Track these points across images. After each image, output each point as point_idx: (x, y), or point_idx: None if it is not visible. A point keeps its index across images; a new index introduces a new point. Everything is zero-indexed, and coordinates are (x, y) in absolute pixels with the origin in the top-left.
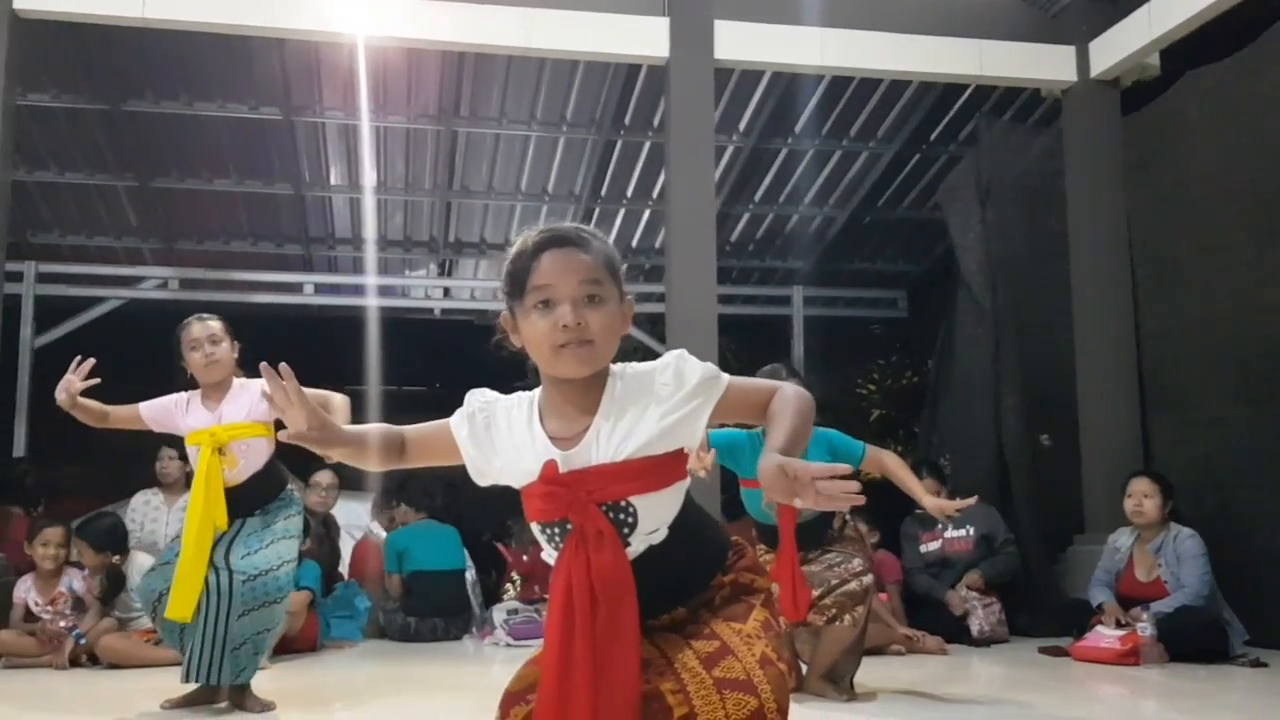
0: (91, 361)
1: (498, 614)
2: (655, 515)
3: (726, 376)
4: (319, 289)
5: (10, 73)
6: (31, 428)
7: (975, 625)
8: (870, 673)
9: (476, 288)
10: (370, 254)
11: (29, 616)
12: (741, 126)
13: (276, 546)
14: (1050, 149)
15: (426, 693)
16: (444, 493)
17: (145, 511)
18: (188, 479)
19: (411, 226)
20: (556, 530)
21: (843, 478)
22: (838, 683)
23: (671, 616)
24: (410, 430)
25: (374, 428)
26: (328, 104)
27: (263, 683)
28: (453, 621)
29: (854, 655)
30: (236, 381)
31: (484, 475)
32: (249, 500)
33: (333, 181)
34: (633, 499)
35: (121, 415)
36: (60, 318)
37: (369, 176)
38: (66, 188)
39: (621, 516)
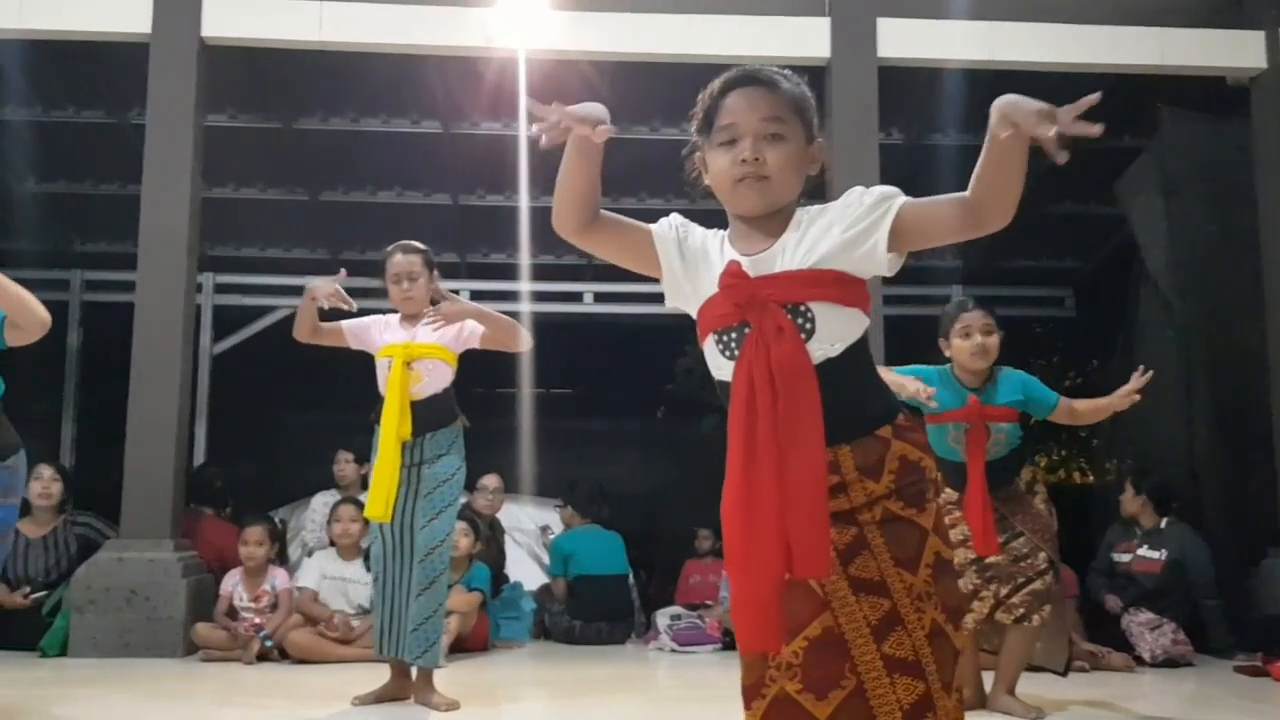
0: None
1: (661, 619)
2: (833, 329)
3: (906, 196)
4: (474, 295)
5: (200, 97)
6: (211, 432)
7: (1146, 650)
8: (1053, 689)
9: (627, 293)
10: (523, 260)
11: (231, 611)
12: (899, 122)
13: (443, 517)
14: (1240, 140)
15: (599, 694)
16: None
17: (325, 514)
18: (363, 480)
19: None
20: (734, 336)
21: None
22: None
23: (836, 455)
24: (608, 213)
25: None
26: (484, 116)
27: (439, 680)
28: (616, 626)
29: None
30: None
31: (677, 290)
32: (426, 419)
33: (488, 191)
34: (812, 304)
35: (327, 329)
36: (235, 326)
37: (524, 184)
38: (241, 203)
39: (800, 321)
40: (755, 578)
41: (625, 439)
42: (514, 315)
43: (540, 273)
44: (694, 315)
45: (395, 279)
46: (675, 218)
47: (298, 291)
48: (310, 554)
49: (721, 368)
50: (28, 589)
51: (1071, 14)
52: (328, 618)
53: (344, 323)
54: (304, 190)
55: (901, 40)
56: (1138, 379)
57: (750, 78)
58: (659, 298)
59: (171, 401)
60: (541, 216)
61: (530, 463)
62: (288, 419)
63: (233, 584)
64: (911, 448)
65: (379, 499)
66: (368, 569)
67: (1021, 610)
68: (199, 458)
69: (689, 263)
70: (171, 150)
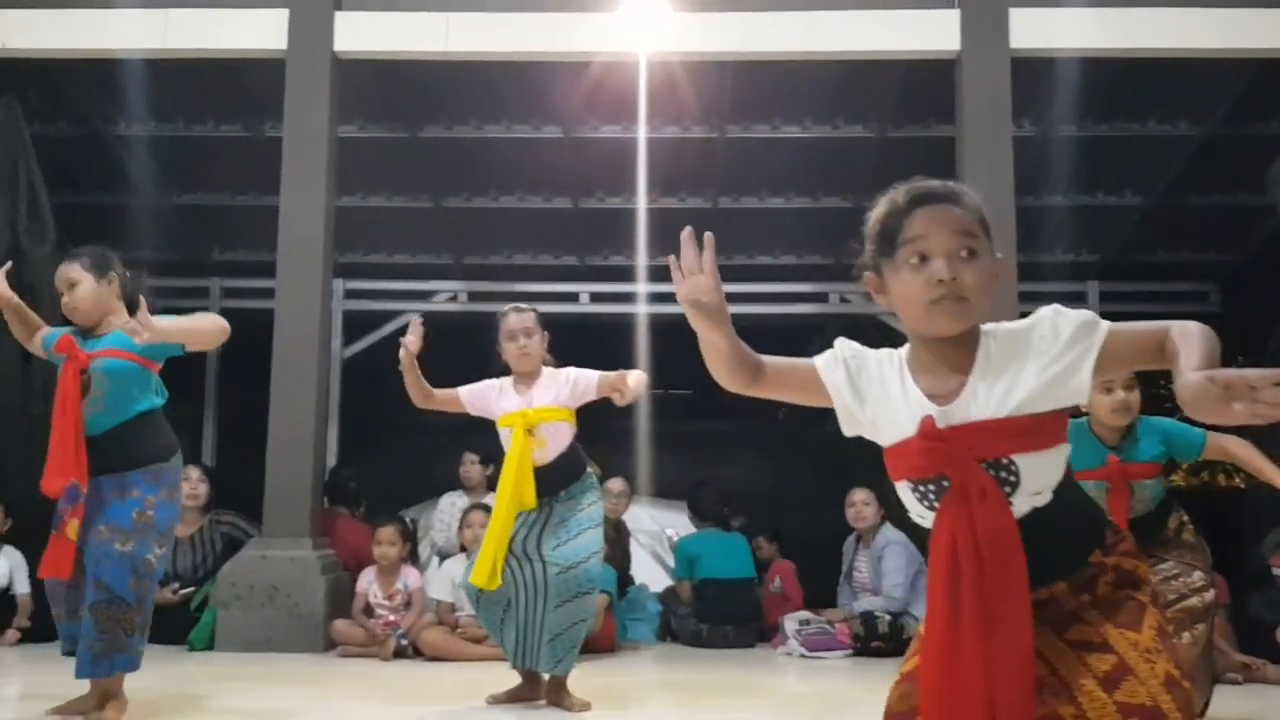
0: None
1: (789, 624)
2: (1038, 476)
3: (1106, 322)
4: (594, 297)
5: (333, 110)
6: (343, 434)
7: None
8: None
9: (748, 293)
10: (641, 262)
11: (368, 609)
12: (1030, 113)
13: (584, 538)
14: None
15: (726, 698)
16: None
17: (452, 514)
18: (489, 482)
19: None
20: (931, 488)
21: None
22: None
23: (1051, 592)
24: (768, 358)
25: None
26: (603, 120)
27: (569, 681)
28: (743, 629)
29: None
30: (547, 370)
31: (854, 424)
32: (555, 480)
33: (607, 194)
34: (1015, 457)
35: (443, 397)
36: (364, 330)
37: (642, 187)
38: (369, 210)
39: (1004, 475)
40: None
41: (745, 440)
42: (632, 317)
43: (659, 274)
44: (879, 444)
45: (511, 335)
46: (844, 349)
47: (424, 296)
48: (439, 554)
49: (922, 516)
50: (176, 585)
51: None
52: (456, 625)
53: (461, 390)
54: (429, 197)
55: (1034, 30)
56: None
57: (935, 195)
58: (781, 298)
59: (309, 405)
60: (660, 218)
61: (649, 464)
62: (414, 421)
63: (368, 582)
64: (1125, 559)
65: (485, 567)
66: None
67: (1170, 627)
68: (330, 460)
69: (864, 396)
70: (307, 161)
